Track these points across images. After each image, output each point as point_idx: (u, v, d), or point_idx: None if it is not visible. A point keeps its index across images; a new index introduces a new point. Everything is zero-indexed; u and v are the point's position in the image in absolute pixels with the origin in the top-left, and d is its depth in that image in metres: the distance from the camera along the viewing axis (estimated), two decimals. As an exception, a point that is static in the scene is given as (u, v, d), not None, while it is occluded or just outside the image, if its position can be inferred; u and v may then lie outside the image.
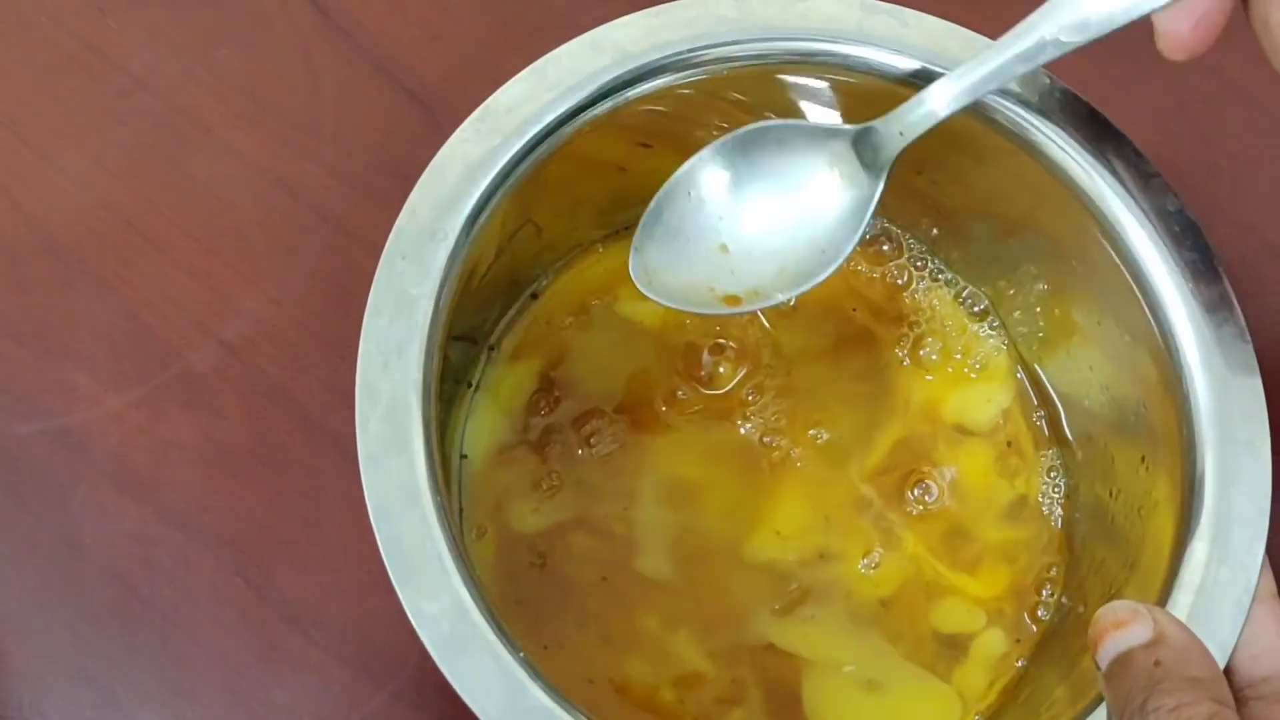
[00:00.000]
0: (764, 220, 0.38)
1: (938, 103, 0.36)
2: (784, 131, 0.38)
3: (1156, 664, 0.30)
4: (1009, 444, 0.44)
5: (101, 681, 0.43)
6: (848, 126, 0.38)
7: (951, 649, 0.42)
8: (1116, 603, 0.32)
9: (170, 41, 0.50)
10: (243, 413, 0.46)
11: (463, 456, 0.43)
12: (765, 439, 0.44)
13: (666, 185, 0.38)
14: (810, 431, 0.44)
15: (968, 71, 0.35)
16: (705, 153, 0.38)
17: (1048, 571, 0.43)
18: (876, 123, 0.37)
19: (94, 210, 0.48)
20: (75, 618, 0.44)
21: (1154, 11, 0.32)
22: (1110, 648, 0.31)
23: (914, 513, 0.43)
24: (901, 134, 0.36)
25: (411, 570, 0.34)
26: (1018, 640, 0.42)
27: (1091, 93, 0.50)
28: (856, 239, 0.37)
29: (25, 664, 0.43)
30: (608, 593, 0.42)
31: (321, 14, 0.51)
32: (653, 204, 0.38)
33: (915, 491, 0.43)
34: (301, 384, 0.46)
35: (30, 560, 0.44)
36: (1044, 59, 0.34)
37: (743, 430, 0.44)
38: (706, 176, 0.38)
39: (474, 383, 0.44)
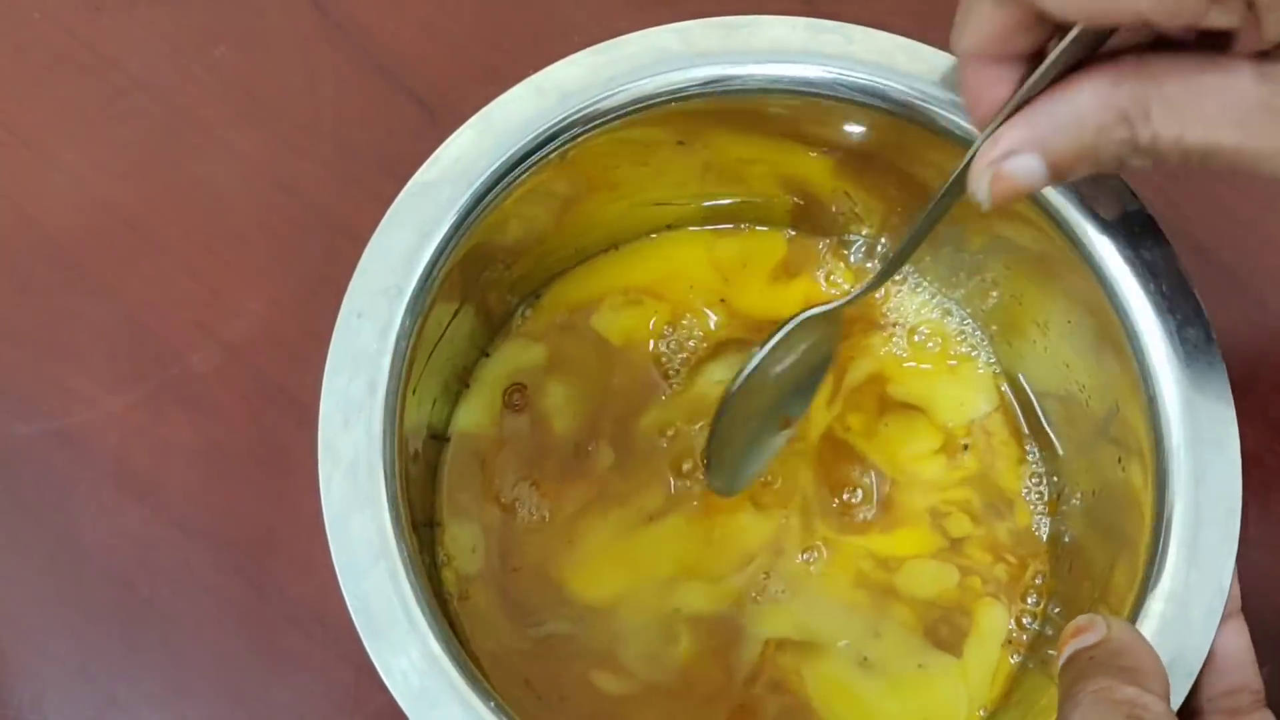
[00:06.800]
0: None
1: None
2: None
3: (1091, 658, 0.32)
4: (965, 446, 0.44)
5: (102, 681, 0.43)
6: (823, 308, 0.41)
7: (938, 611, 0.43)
8: (1080, 616, 0.33)
9: (167, 39, 0.50)
10: (243, 413, 0.46)
11: (446, 438, 0.44)
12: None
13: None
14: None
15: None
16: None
17: (1034, 579, 0.43)
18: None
19: (93, 211, 0.48)
20: (75, 618, 0.44)
21: None
22: (1066, 653, 0.33)
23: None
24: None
25: (379, 626, 0.34)
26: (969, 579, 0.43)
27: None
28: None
29: (25, 664, 0.43)
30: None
31: (320, 12, 0.50)
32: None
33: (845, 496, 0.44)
34: (301, 384, 0.46)
35: (30, 560, 0.44)
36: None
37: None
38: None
39: (468, 382, 0.44)
